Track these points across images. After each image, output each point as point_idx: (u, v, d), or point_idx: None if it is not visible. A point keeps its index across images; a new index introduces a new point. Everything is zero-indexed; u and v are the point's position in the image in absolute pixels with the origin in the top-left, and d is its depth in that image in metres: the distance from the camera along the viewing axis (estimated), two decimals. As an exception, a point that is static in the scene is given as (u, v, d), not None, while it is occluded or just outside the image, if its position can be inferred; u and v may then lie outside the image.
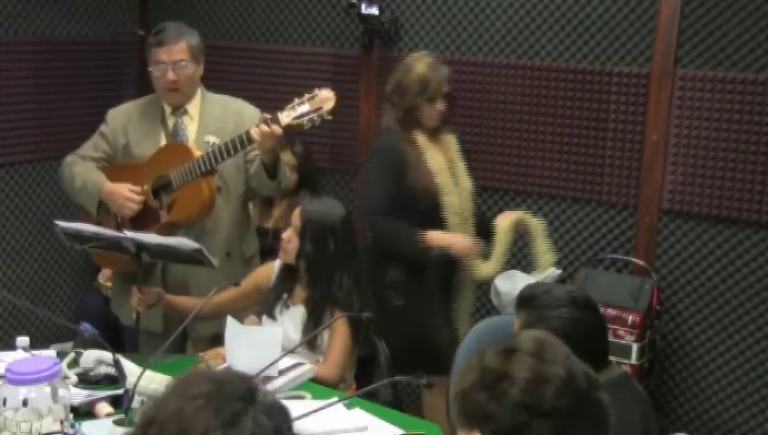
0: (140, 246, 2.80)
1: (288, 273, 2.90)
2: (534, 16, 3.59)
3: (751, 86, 3.21)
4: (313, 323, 2.73)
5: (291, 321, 2.82)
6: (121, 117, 3.15)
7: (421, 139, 3.25)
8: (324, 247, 2.77)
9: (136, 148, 3.10)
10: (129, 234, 2.80)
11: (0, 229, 4.05)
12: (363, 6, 3.73)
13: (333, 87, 2.92)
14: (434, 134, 3.29)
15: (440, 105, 3.25)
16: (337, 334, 2.74)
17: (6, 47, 3.93)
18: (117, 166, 3.14)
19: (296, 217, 2.82)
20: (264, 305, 2.93)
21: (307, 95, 2.84)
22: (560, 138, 3.60)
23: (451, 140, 3.34)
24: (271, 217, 4.03)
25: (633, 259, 3.48)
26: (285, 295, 2.88)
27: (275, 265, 2.98)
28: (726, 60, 3.26)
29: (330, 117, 2.86)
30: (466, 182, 3.32)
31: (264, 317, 2.90)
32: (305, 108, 2.83)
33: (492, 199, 3.79)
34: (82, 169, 3.10)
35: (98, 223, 3.03)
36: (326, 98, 2.83)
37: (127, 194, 3.01)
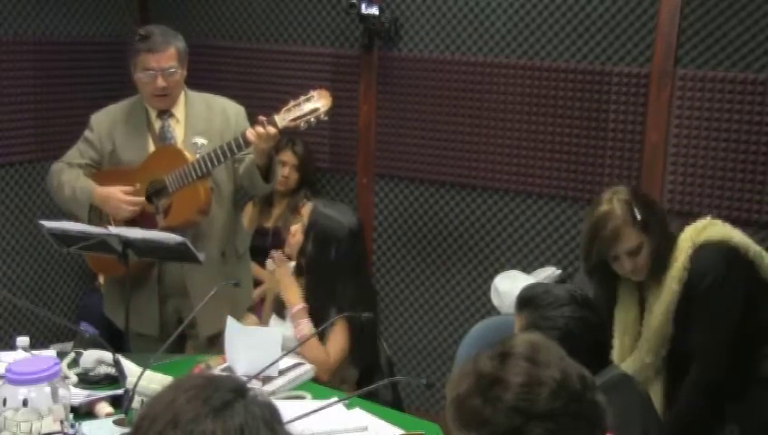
0: (127, 244, 2.80)
1: (299, 274, 2.90)
2: (534, 16, 3.59)
3: (751, 86, 3.21)
4: (314, 325, 2.74)
5: None
6: (106, 122, 3.12)
7: (622, 292, 2.67)
8: (325, 254, 2.77)
9: (123, 153, 3.07)
10: (113, 230, 2.79)
11: (0, 229, 4.05)
12: (363, 6, 3.72)
13: (331, 87, 2.92)
14: (655, 279, 2.57)
15: (627, 263, 2.51)
16: (333, 335, 2.76)
17: (6, 47, 3.93)
18: (106, 172, 3.11)
19: (305, 214, 2.83)
20: (273, 305, 2.94)
21: (303, 97, 2.84)
22: (560, 138, 3.60)
23: (666, 293, 2.53)
24: (271, 217, 4.05)
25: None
26: None
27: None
28: (726, 60, 3.26)
29: (326, 118, 2.87)
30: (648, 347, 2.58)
31: (273, 317, 2.90)
32: (301, 109, 2.83)
33: (492, 199, 3.79)
34: (70, 176, 3.07)
35: None
36: (322, 99, 2.83)
37: (123, 197, 2.99)
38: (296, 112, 2.83)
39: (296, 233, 2.84)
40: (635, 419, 2.12)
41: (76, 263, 4.35)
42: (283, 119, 2.83)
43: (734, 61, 3.24)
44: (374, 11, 3.75)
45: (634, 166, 3.46)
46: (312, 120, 2.84)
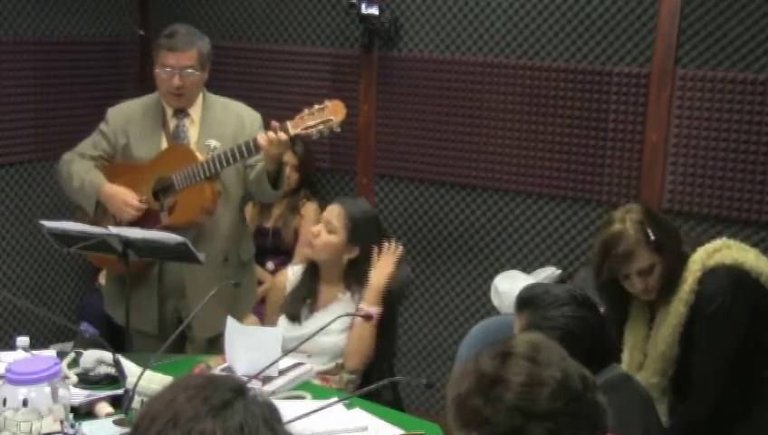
0: (127, 244, 2.80)
1: (312, 273, 2.89)
2: (534, 16, 3.59)
3: (751, 86, 3.21)
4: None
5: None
6: (122, 116, 3.14)
7: (633, 309, 2.64)
8: (364, 252, 2.81)
9: (136, 149, 3.09)
10: (113, 230, 2.79)
11: (0, 229, 4.05)
12: (363, 6, 3.73)
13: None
14: (663, 299, 2.53)
15: (638, 283, 2.49)
16: (361, 331, 2.77)
17: (6, 47, 3.92)
18: (117, 166, 3.13)
19: (334, 216, 2.82)
20: (284, 308, 2.92)
21: (317, 106, 2.84)
22: (560, 138, 3.60)
23: (674, 315, 2.50)
24: (271, 217, 4.05)
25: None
26: (309, 300, 2.88)
27: (289, 272, 2.98)
28: (726, 60, 3.26)
29: (339, 129, 2.86)
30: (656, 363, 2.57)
31: (285, 320, 2.88)
32: (314, 118, 2.83)
33: (492, 199, 3.79)
34: (81, 168, 3.09)
35: (95, 224, 3.00)
36: (336, 110, 2.83)
37: (128, 200, 3.01)
38: (309, 121, 2.83)
39: (320, 233, 2.83)
40: (635, 419, 2.12)
41: (76, 263, 4.35)
42: (295, 126, 2.83)
43: (734, 61, 3.24)
44: (374, 11, 3.75)
45: (634, 166, 3.46)
46: (325, 129, 2.83)
